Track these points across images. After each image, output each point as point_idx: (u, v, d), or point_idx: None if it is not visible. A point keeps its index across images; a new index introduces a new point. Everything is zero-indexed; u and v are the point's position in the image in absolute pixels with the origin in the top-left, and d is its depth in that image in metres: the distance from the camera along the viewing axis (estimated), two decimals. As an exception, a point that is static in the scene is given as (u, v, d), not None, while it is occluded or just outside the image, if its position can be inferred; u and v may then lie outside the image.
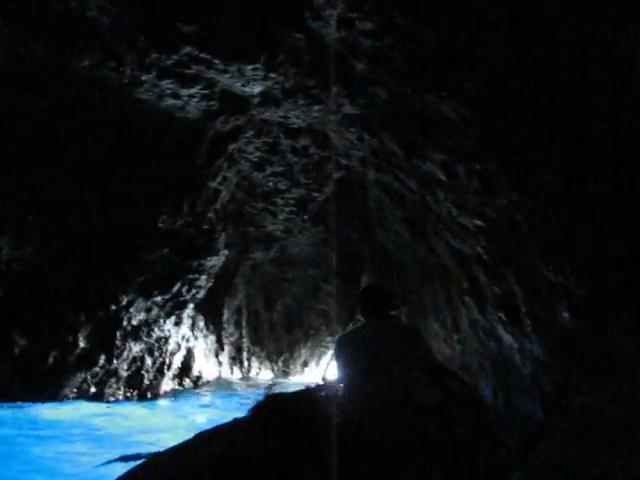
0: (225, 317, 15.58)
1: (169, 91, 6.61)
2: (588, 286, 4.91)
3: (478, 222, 6.37)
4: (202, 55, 5.98)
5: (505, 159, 5.06)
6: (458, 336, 8.92)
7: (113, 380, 9.51)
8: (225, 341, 15.97)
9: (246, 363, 18.17)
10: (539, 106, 4.39)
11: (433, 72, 4.73)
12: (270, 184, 9.45)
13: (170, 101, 6.81)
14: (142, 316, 9.37)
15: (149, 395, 10.42)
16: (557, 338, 5.73)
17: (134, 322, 9.27)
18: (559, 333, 5.62)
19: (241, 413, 4.15)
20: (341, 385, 3.26)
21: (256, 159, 8.64)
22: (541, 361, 6.17)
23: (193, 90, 6.71)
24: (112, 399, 9.55)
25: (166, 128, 7.34)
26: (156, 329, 9.97)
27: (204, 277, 10.21)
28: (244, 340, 17.81)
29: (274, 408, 3.48)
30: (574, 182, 4.44)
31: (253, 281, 16.68)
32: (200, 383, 13.51)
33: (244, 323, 17.53)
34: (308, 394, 3.73)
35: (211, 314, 14.12)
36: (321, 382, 3.84)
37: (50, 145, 6.74)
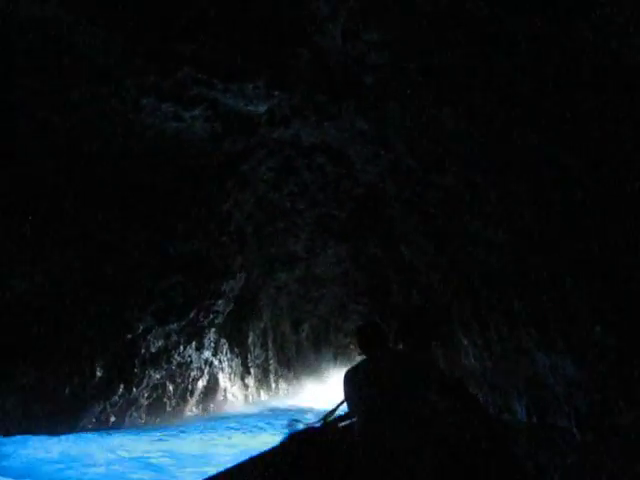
0: (250, 339, 15.39)
1: (171, 114, 6.51)
2: (622, 303, 4.64)
3: (502, 235, 6.12)
4: (200, 76, 5.87)
5: (525, 172, 4.84)
6: (489, 352, 8.64)
7: (133, 408, 9.40)
8: (251, 364, 15.74)
9: (273, 385, 17.94)
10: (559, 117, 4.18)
11: (449, 85, 4.53)
12: (288, 204, 9.28)
13: (174, 124, 6.70)
14: (160, 343, 9.25)
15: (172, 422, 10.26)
16: (591, 355, 5.44)
17: (152, 349, 9.15)
18: (593, 350, 5.34)
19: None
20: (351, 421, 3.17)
21: (271, 180, 8.47)
22: (575, 380, 5.88)
23: (196, 112, 6.59)
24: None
25: (173, 151, 7.23)
26: (176, 355, 9.82)
27: (221, 302, 10.03)
28: (271, 362, 17.58)
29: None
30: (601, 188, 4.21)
31: (278, 302, 16.49)
32: (225, 407, 13.29)
33: (270, 345, 17.32)
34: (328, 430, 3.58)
35: (235, 337, 13.93)
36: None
37: (62, 173, 6.68)
